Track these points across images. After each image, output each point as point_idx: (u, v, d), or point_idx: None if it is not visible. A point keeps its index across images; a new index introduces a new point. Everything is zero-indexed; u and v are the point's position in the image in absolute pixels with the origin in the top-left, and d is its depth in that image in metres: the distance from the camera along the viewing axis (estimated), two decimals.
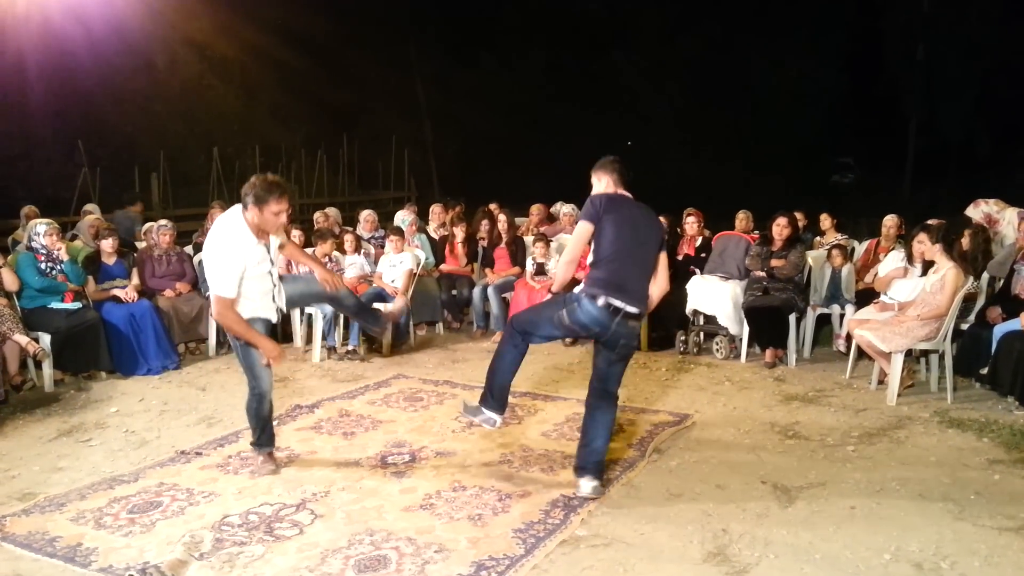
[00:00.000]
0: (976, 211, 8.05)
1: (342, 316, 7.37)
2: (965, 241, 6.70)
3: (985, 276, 6.74)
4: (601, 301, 4.04)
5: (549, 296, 4.33)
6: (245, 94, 22.63)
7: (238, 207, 4.35)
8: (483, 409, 4.33)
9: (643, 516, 4.05)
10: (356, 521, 4.00)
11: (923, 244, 6.40)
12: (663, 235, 4.39)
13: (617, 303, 4.05)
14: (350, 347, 7.49)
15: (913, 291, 6.34)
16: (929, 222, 6.78)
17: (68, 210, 13.49)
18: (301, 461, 4.86)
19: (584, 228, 4.12)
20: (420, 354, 7.70)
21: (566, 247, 4.17)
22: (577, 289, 4.19)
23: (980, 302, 6.48)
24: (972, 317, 6.41)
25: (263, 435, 4.73)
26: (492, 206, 9.53)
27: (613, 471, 4.56)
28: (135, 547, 3.77)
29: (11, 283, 6.47)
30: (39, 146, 17.07)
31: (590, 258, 4.20)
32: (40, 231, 6.75)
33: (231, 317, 4.28)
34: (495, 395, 4.31)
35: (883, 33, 25.57)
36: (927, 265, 6.32)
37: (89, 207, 10.64)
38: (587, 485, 4.24)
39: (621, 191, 4.27)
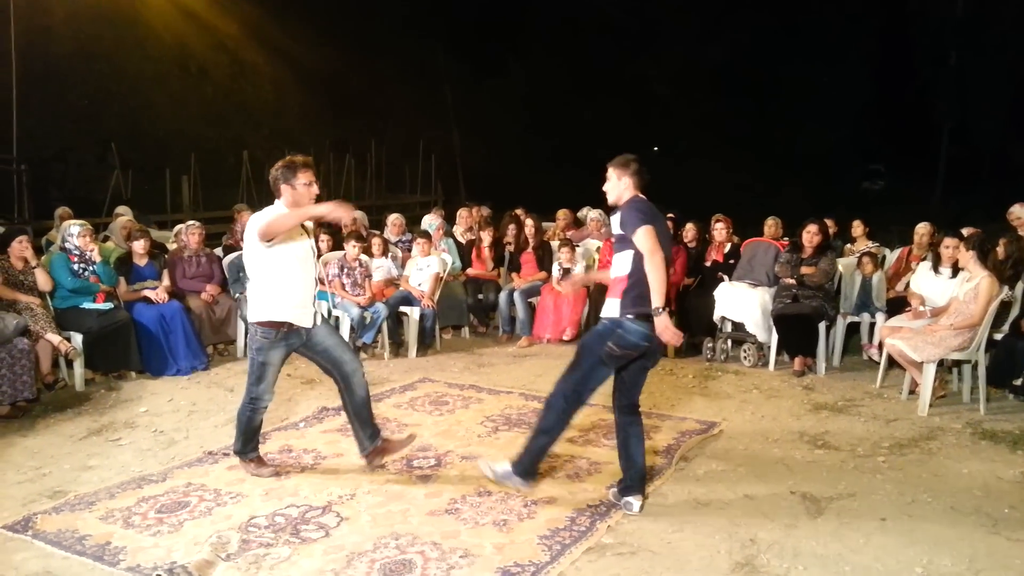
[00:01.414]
0: (1021, 211, 7.88)
1: (374, 319, 7.45)
2: (1000, 249, 6.60)
3: (1020, 286, 6.63)
4: (643, 317, 3.96)
5: (577, 348, 4.23)
6: (275, 98, 22.85)
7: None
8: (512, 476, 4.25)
9: (670, 524, 4.02)
10: (381, 524, 4.01)
11: (950, 249, 6.33)
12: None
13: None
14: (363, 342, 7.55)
15: (943, 295, 6.26)
16: (962, 231, 6.69)
17: (101, 212, 13.68)
18: (327, 463, 4.87)
19: (651, 231, 3.94)
20: (446, 358, 7.70)
21: (646, 255, 3.93)
22: (610, 315, 4.07)
23: (1015, 312, 6.38)
24: (1006, 327, 6.31)
25: (249, 444, 4.68)
26: (519, 211, 9.53)
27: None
28: (163, 547, 3.79)
29: (44, 283, 6.56)
30: (73, 149, 17.33)
31: (621, 270, 4.06)
32: (74, 232, 6.84)
33: (280, 220, 4.20)
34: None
35: (914, 39, 25.27)
36: (956, 269, 6.24)
37: (121, 209, 10.77)
38: (637, 503, 4.19)
39: (640, 195, 4.20)
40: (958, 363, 6.21)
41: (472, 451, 5.06)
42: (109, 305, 6.81)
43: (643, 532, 3.94)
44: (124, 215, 9.88)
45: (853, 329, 7.49)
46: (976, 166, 23.98)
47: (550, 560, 3.63)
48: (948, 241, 6.43)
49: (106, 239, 8.77)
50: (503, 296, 8.47)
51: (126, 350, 6.75)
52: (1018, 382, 5.94)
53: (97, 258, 6.86)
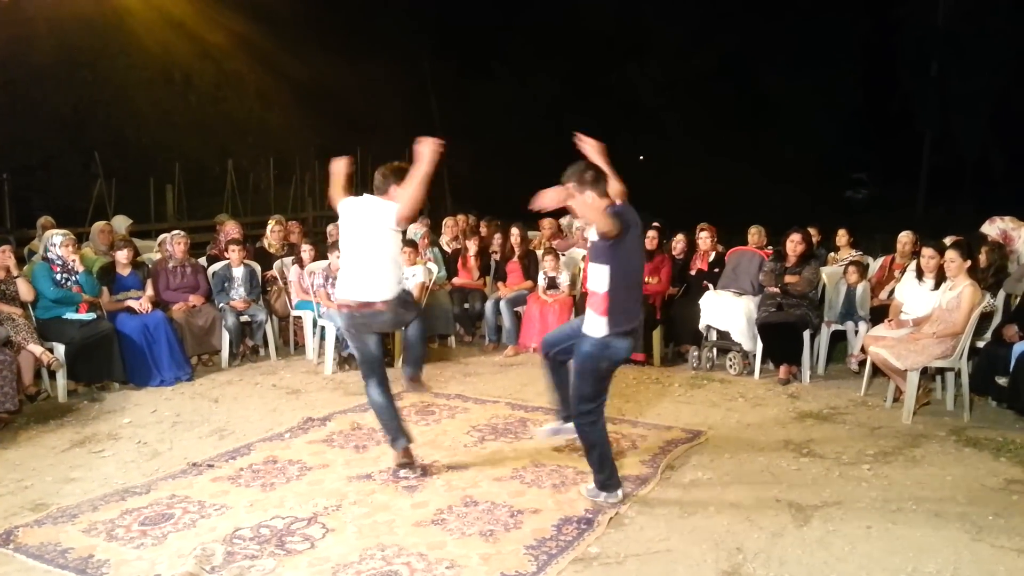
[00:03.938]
0: (992, 228, 7.99)
1: None
2: (982, 258, 6.66)
3: (1001, 294, 6.69)
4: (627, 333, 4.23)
5: None
6: (260, 107, 22.79)
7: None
8: None
9: (656, 534, 4.02)
10: (367, 536, 3.99)
11: (927, 258, 6.36)
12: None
13: None
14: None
15: (926, 304, 6.30)
16: (945, 239, 6.74)
17: (84, 221, 13.58)
18: (313, 474, 4.85)
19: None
20: (432, 367, 7.65)
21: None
22: (596, 334, 4.22)
23: (996, 320, 6.42)
24: (988, 335, 6.35)
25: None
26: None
27: (626, 487, 4.51)
28: (146, 559, 3.76)
29: (26, 293, 6.51)
30: (56, 157, 17.21)
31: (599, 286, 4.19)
32: (56, 242, 6.79)
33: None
34: None
35: (897, 49, 25.49)
36: (940, 279, 6.27)
37: (119, 218, 10.63)
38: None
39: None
40: (941, 371, 6.25)
41: (458, 461, 5.05)
42: (92, 315, 6.77)
43: (629, 541, 3.94)
44: (128, 222, 9.76)
45: (838, 338, 7.52)
46: (958, 174, 24.18)
47: (536, 570, 3.63)
48: (927, 251, 6.45)
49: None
50: (489, 305, 8.46)
51: (109, 361, 6.69)
52: (1002, 380, 5.93)
53: (80, 268, 6.82)
